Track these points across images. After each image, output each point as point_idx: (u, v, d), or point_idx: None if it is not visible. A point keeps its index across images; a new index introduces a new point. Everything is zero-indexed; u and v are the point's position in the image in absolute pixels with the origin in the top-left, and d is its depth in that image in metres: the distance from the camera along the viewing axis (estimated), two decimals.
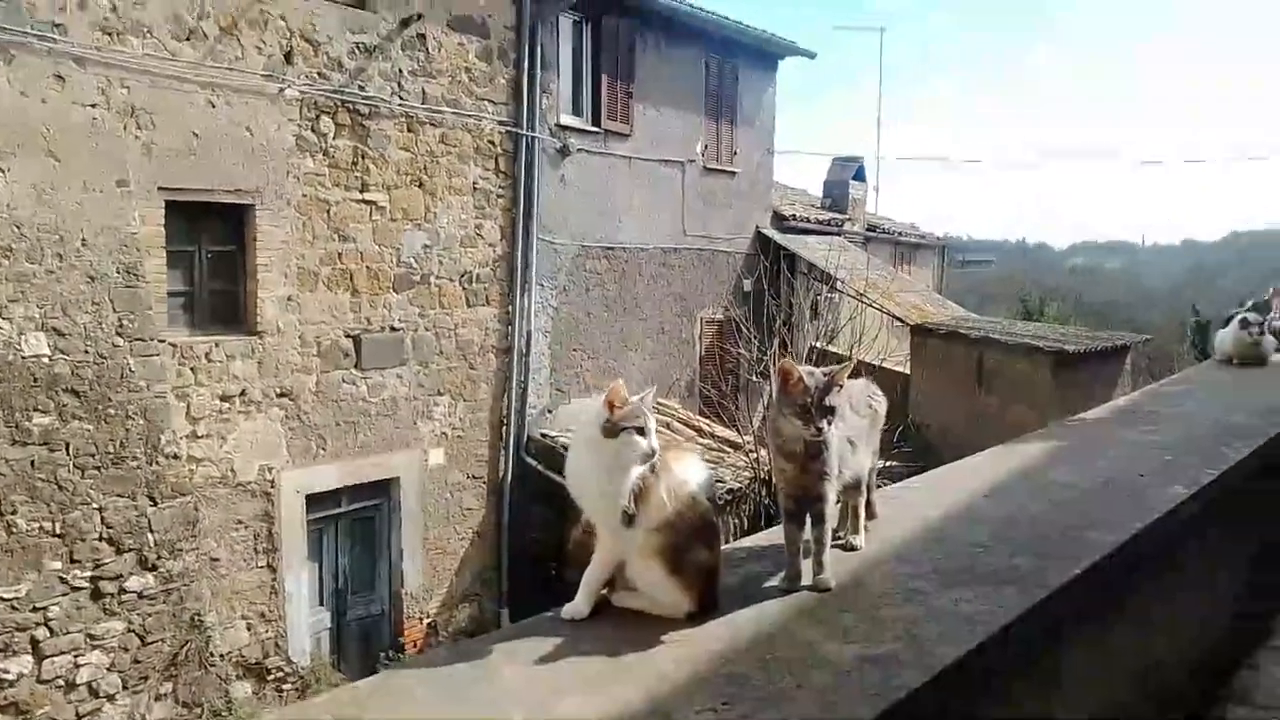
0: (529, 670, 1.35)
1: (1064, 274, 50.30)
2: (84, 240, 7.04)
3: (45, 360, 6.72)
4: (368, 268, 9.05)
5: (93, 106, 7.17)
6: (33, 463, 6.55)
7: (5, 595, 6.31)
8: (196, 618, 7.36)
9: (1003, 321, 16.08)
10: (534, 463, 10.32)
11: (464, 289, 9.97)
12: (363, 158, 8.97)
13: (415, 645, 9.31)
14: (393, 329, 9.26)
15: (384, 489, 9.37)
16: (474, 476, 10.13)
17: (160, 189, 7.59)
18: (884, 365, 10.52)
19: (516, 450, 10.39)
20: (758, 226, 14.32)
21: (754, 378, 10.22)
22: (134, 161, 7.39)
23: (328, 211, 8.71)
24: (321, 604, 9.00)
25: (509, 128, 10.27)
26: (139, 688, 6.99)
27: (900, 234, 20.00)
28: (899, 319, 12.94)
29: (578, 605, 1.54)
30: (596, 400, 1.53)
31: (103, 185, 7.18)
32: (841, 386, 1.58)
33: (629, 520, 1.51)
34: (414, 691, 1.34)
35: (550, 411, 10.83)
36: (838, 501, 1.69)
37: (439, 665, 1.42)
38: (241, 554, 8.10)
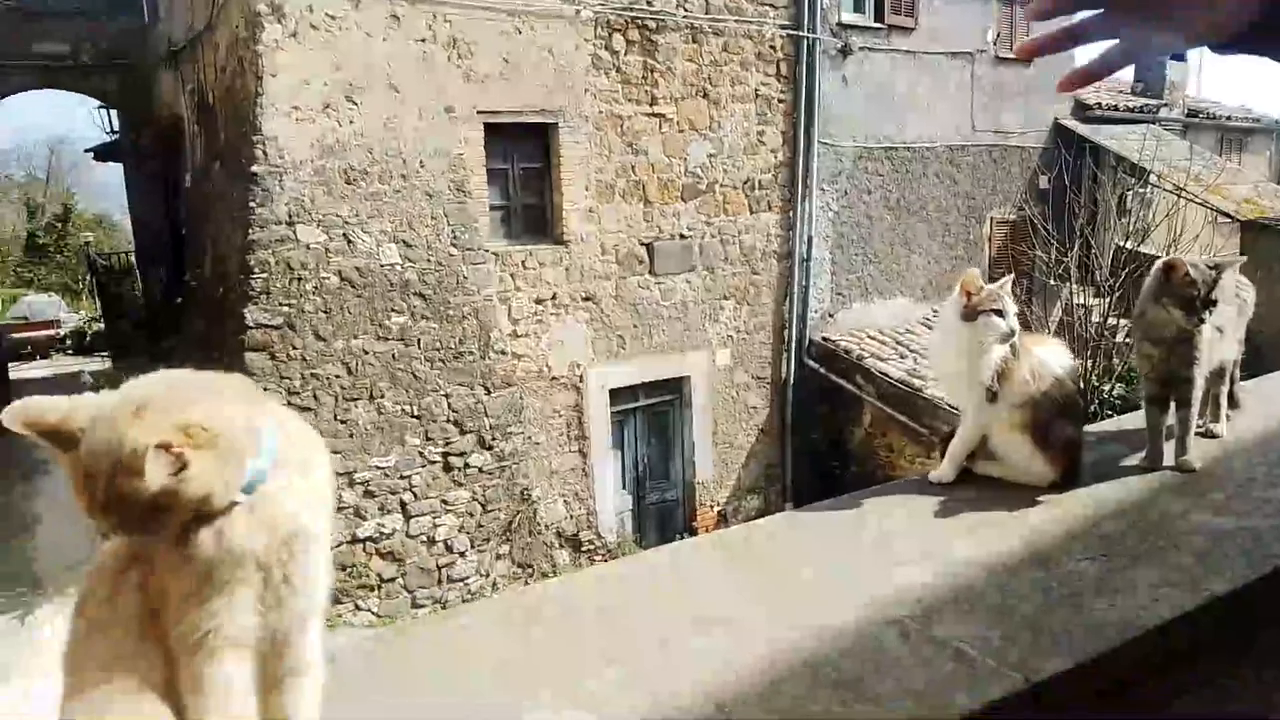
0: (912, 518, 1.57)
1: None
2: (421, 162, 7.91)
3: (398, 268, 7.77)
4: (658, 178, 9.42)
5: (422, 41, 7.90)
6: (393, 355, 7.69)
7: (380, 464, 7.55)
8: (525, 492, 8.34)
9: None
10: (815, 365, 10.46)
11: (746, 196, 10.11)
12: (651, 72, 9.25)
13: (707, 530, 9.82)
14: (682, 236, 9.64)
15: (676, 386, 9.88)
16: (758, 377, 10.42)
17: (479, 112, 8.28)
18: None
19: (798, 353, 10.52)
20: (1056, 118, 13.10)
21: (1051, 281, 9.62)
22: (457, 89, 8.11)
23: (621, 126, 9.12)
24: (624, 488, 9.77)
25: (790, 31, 10.11)
26: (483, 547, 8.09)
27: (1228, 118, 17.40)
28: (1227, 215, 11.47)
29: (943, 471, 1.72)
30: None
31: (434, 112, 7.98)
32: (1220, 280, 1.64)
33: (992, 397, 1.68)
34: (819, 525, 1.61)
35: (831, 316, 10.83)
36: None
37: (832, 510, 1.67)
38: (557, 440, 8.97)
